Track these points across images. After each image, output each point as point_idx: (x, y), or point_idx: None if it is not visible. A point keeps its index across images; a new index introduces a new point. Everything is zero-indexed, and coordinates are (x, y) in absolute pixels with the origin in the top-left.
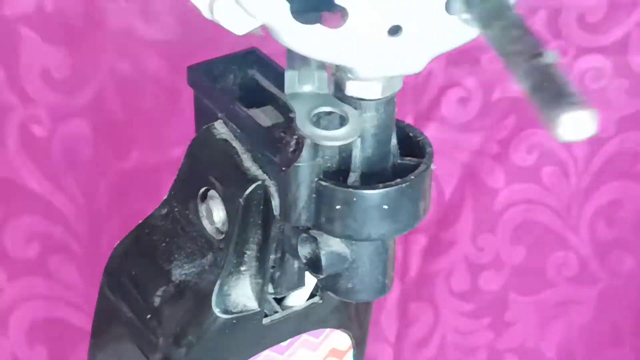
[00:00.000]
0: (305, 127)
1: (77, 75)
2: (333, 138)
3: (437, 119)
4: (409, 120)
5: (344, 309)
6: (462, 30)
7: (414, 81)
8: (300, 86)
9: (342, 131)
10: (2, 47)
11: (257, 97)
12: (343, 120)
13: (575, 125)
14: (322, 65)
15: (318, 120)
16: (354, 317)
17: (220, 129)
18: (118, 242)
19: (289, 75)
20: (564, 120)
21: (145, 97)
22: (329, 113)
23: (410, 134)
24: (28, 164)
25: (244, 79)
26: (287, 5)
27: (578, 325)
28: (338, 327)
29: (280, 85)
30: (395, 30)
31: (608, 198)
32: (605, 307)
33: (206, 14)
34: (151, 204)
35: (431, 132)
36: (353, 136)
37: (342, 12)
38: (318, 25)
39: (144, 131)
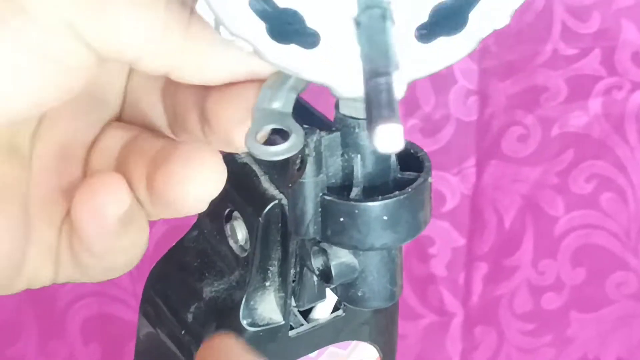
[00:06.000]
0: (248, 142)
1: None
2: (272, 154)
3: (497, 156)
4: (472, 160)
5: (370, 322)
6: (436, 56)
7: (476, 123)
8: (270, 103)
9: (282, 147)
10: None
11: None
12: (287, 137)
13: (386, 137)
14: (294, 88)
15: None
16: (381, 330)
17: (242, 153)
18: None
19: (263, 92)
20: (378, 132)
21: None
22: (278, 130)
23: (411, 150)
24: None
25: None
26: (264, 25)
27: (638, 337)
28: (365, 339)
29: (298, 113)
30: None
31: None
32: None
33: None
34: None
35: (492, 169)
36: (291, 152)
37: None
38: (293, 45)
39: None
